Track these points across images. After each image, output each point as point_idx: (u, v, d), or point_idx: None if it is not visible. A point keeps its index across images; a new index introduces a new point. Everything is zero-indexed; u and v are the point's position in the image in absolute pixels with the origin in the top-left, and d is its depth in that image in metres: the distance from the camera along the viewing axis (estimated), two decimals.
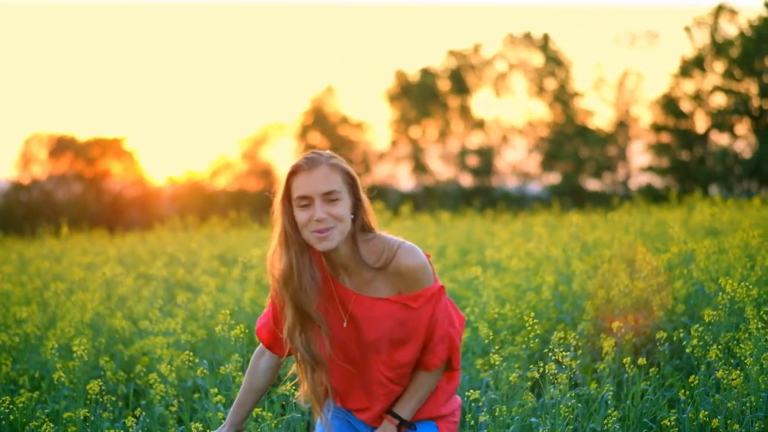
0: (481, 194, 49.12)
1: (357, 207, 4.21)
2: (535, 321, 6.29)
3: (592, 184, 49.70)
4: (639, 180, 48.74)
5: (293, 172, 4.15)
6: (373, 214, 4.26)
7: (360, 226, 4.22)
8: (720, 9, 45.89)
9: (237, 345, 6.79)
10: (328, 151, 4.21)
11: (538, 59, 50.99)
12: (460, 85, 51.58)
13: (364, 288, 4.20)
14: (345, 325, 4.21)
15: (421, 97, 51.39)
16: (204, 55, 71.42)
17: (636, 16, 73.87)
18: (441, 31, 71.52)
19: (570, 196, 46.46)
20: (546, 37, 51.00)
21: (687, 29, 46.67)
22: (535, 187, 51.37)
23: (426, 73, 51.89)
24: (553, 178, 50.33)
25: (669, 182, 46.88)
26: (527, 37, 51.20)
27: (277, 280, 4.21)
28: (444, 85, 51.78)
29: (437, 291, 4.21)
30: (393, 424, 4.29)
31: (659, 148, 47.30)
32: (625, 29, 56.65)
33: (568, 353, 6.08)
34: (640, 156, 49.07)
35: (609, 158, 49.32)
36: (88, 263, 12.54)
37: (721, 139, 46.37)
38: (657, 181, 47.36)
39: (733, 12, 45.69)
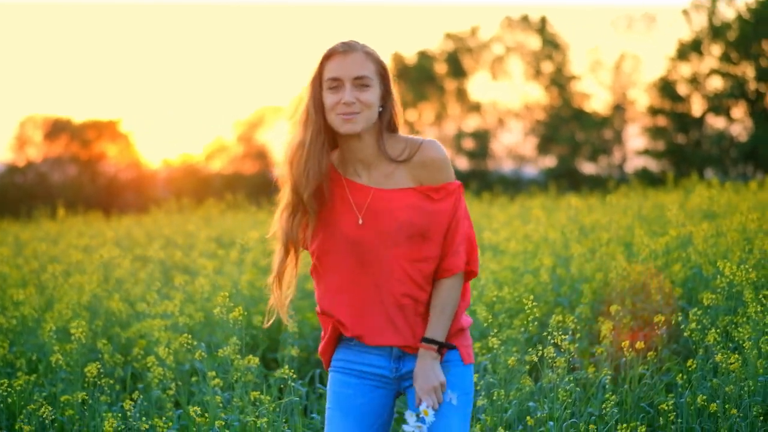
0: (477, 177, 49.06)
1: (386, 100, 4.19)
2: (534, 304, 6.28)
3: (587, 168, 49.69)
4: (635, 163, 48.73)
5: (328, 56, 4.16)
6: (401, 116, 4.24)
7: (387, 121, 4.20)
8: None
9: (235, 327, 6.77)
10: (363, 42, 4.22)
11: (535, 42, 50.93)
12: (456, 68, 51.50)
13: (383, 182, 4.15)
14: (360, 222, 4.14)
15: (417, 80, 51.28)
16: (200, 37, 71.31)
17: None
18: (438, 13, 71.40)
19: (566, 179, 46.43)
20: (543, 20, 50.94)
21: (685, 12, 46.61)
22: (531, 171, 51.34)
23: (423, 55, 51.79)
24: (549, 161, 50.33)
25: (665, 166, 46.83)
26: (524, 20, 51.13)
27: (286, 157, 4.20)
28: (441, 68, 51.69)
29: (458, 187, 4.16)
30: (432, 350, 4.12)
31: (655, 132, 47.27)
32: (623, 12, 56.61)
33: (566, 337, 6.06)
34: (636, 139, 49.06)
35: (605, 141, 49.30)
36: (84, 245, 12.52)
37: (717, 122, 46.37)
38: (653, 165, 47.34)
39: None
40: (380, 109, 4.18)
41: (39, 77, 68.76)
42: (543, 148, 50.44)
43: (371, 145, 4.18)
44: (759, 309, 6.32)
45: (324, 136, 4.16)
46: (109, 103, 72.12)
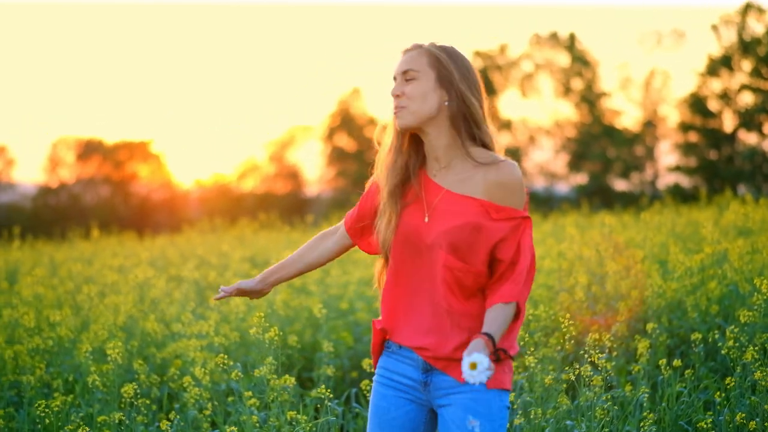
0: None
1: (455, 99, 4.14)
2: (570, 322, 6.26)
3: (619, 185, 49.55)
4: (667, 180, 48.56)
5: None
6: (493, 136, 4.19)
7: (463, 117, 4.15)
8: (748, 7, 45.69)
9: (271, 348, 6.77)
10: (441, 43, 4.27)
11: (564, 59, 50.87)
12: (486, 85, 50.98)
13: (456, 185, 4.12)
14: (426, 220, 4.13)
15: None
16: (231, 58, 71.58)
17: (662, 15, 73.53)
18: (467, 31, 71.44)
19: (598, 196, 46.34)
20: (572, 37, 50.88)
21: (714, 28, 46.47)
22: (562, 188, 51.24)
23: None
24: (581, 178, 50.21)
25: (697, 182, 46.69)
26: (553, 37, 51.10)
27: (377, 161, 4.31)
28: None
29: (523, 219, 4.08)
30: (485, 339, 3.91)
31: (687, 148, 47.11)
32: (652, 28, 56.47)
33: (603, 355, 6.04)
34: (667, 156, 48.92)
35: (636, 158, 49.17)
36: (119, 266, 12.56)
37: (749, 138, 46.17)
38: (685, 181, 47.18)
39: (761, 10, 45.51)
40: (446, 103, 4.14)
41: (71, 99, 69.18)
42: (574, 165, 50.33)
43: (444, 145, 4.15)
44: None
45: (401, 136, 4.22)
46: (140, 123, 72.51)
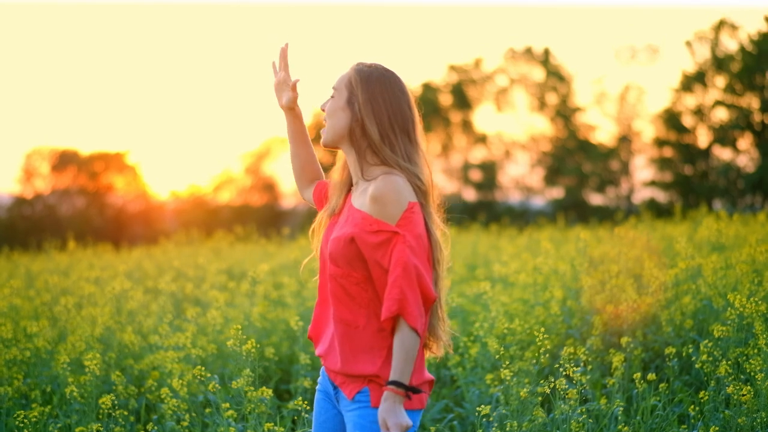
0: (485, 208, 49.12)
1: (357, 121, 4.26)
2: (545, 336, 6.32)
3: (595, 199, 49.72)
4: (642, 194, 48.76)
5: None
6: (392, 152, 4.24)
7: (363, 135, 4.25)
8: (721, 24, 45.91)
9: (248, 360, 6.80)
10: (379, 65, 4.35)
11: (539, 74, 51.02)
12: (461, 99, 51.61)
13: (355, 200, 4.27)
14: (333, 236, 4.29)
15: (422, 112, 51.30)
16: (207, 70, 71.52)
17: (636, 30, 73.91)
18: (441, 45, 71.62)
19: (574, 210, 46.50)
20: (547, 52, 51.03)
21: (688, 44, 46.71)
22: (538, 202, 51.38)
23: (427, 87, 51.93)
24: (557, 192, 50.36)
25: (672, 197, 46.92)
26: (528, 51, 51.25)
27: None
28: (445, 99, 51.81)
29: (392, 234, 4.10)
30: (397, 393, 4.04)
31: (662, 163, 47.32)
32: (626, 43, 56.70)
33: (578, 368, 6.10)
34: (642, 170, 49.10)
35: (612, 173, 49.34)
36: (95, 278, 12.56)
37: (723, 153, 46.39)
38: (660, 196, 47.40)
39: (734, 27, 45.72)
40: (356, 121, 4.27)
41: (45, 109, 68.97)
42: (550, 179, 50.48)
43: (352, 162, 4.30)
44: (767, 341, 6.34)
45: (338, 155, 4.42)
46: (115, 134, 72.31)
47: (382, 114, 4.25)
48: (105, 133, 71.24)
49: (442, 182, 51.71)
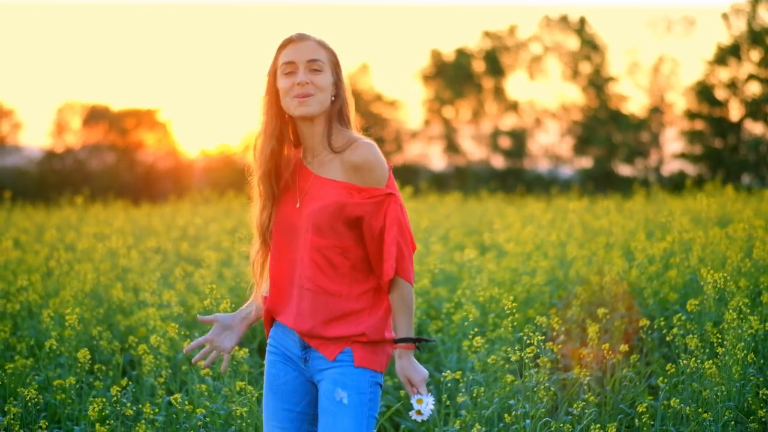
0: (513, 176, 49.10)
1: (338, 88, 4.35)
2: (514, 305, 6.40)
3: (624, 170, 49.53)
4: (671, 167, 48.55)
5: (283, 45, 4.37)
6: (353, 109, 4.39)
7: (338, 112, 4.35)
8: None
9: None
10: None
11: (573, 42, 50.80)
12: (494, 66, 51.47)
13: (320, 169, 4.32)
14: (298, 205, 4.32)
15: (455, 78, 51.32)
16: (241, 29, 71.58)
17: (673, 1, 73.36)
18: (477, 11, 71.36)
19: (602, 180, 46.39)
20: (582, 21, 50.80)
21: (724, 16, 46.40)
22: (567, 171, 51.23)
23: (461, 53, 51.80)
24: (586, 162, 50.21)
25: (701, 170, 46.70)
26: (563, 20, 51.02)
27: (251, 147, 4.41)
28: (479, 66, 51.68)
29: (386, 195, 4.26)
30: (408, 348, 4.29)
31: (692, 135, 47.12)
32: (662, 15, 56.36)
33: (542, 337, 6.16)
34: (673, 143, 48.88)
35: (642, 144, 49.13)
36: (95, 233, 12.67)
37: (755, 128, 46.18)
38: (689, 168, 47.18)
39: None
40: (332, 98, 4.34)
41: (77, 63, 69.20)
42: (579, 149, 50.32)
43: (320, 132, 4.34)
44: (735, 316, 6.39)
45: (279, 122, 4.36)
46: (147, 91, 72.48)
47: (349, 92, 4.41)
48: (136, 89, 71.45)
49: (470, 149, 51.72)
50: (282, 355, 4.44)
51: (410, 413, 4.30)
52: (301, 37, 4.36)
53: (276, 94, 4.35)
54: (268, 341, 4.51)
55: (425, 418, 4.29)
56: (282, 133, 4.37)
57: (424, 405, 4.26)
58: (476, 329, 6.89)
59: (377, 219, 4.27)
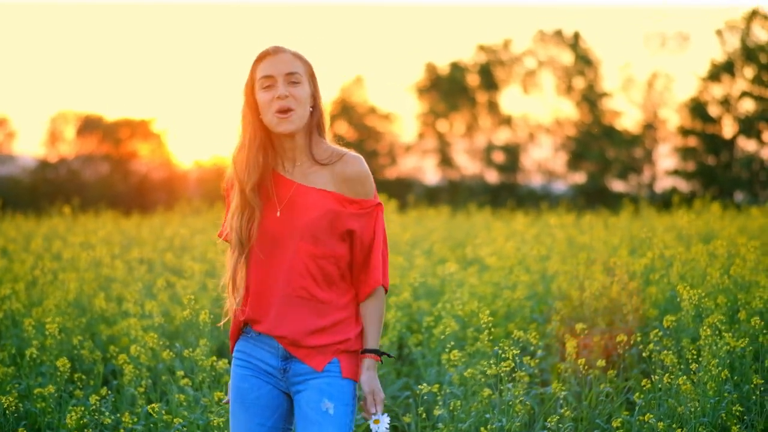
0: (506, 191, 49.15)
1: (315, 99, 4.43)
2: (490, 319, 6.45)
3: (617, 185, 49.59)
4: (664, 183, 48.64)
5: (259, 58, 4.41)
6: (327, 119, 4.47)
7: (316, 123, 4.43)
8: (753, 14, 45.74)
9: (205, 330, 6.97)
10: None
11: (567, 57, 50.91)
12: (488, 80, 51.55)
13: (303, 178, 4.37)
14: (278, 214, 4.35)
15: (449, 91, 51.39)
16: (236, 41, 71.68)
17: (667, 17, 73.55)
18: (471, 25, 71.50)
19: (595, 196, 46.44)
20: (576, 36, 50.90)
21: (718, 33, 46.54)
22: (560, 186, 51.28)
23: (455, 67, 51.88)
24: (579, 177, 50.26)
25: (694, 186, 46.78)
26: (558, 34, 51.12)
27: (233, 162, 4.42)
28: (473, 79, 51.75)
29: (375, 206, 4.39)
30: (375, 359, 4.38)
31: (686, 152, 47.21)
32: (656, 30, 56.48)
33: (517, 352, 6.20)
34: (666, 159, 48.97)
35: (635, 160, 49.20)
36: (81, 243, 12.71)
37: (748, 145, 46.27)
38: (682, 185, 47.27)
39: (766, 17, 45.54)
40: (311, 110, 4.40)
41: (71, 73, 69.18)
42: (573, 164, 50.39)
43: (301, 145, 4.41)
44: (709, 333, 6.44)
45: (261, 134, 4.39)
46: (141, 101, 72.53)
47: (323, 103, 4.50)
48: (131, 99, 71.45)
49: (464, 163, 51.75)
50: (254, 369, 4.44)
51: (371, 426, 4.33)
52: (277, 50, 4.39)
53: (256, 108, 4.39)
54: (234, 355, 4.51)
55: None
56: (266, 145, 4.42)
57: (381, 424, 4.31)
58: (452, 343, 6.93)
59: (368, 230, 4.38)
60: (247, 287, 4.42)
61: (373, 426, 4.31)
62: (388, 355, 4.46)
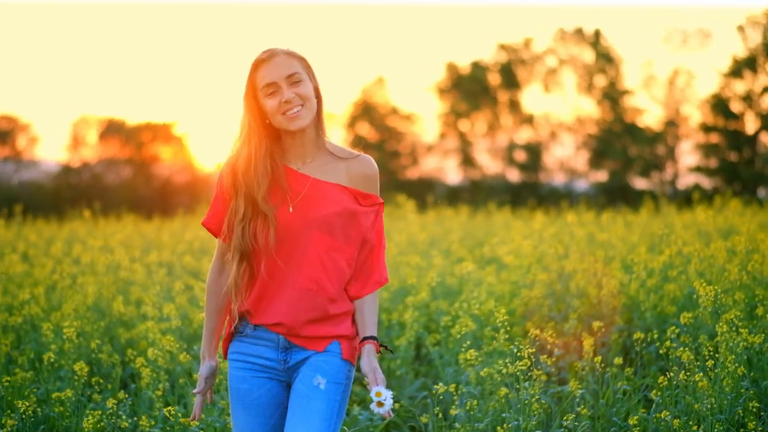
0: (528, 190, 49.08)
1: (317, 91, 4.48)
2: (506, 318, 6.43)
3: (639, 183, 49.46)
4: (687, 180, 48.49)
5: (255, 67, 4.43)
6: (326, 111, 4.53)
7: (320, 126, 4.48)
8: None
9: (222, 332, 6.96)
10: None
11: (588, 55, 50.81)
12: (510, 79, 51.49)
13: (319, 173, 4.42)
14: (291, 210, 4.38)
15: (470, 91, 51.35)
16: (256, 43, 71.77)
17: (688, 14, 73.33)
18: (492, 25, 71.42)
19: (618, 194, 46.32)
20: (597, 34, 50.80)
21: (740, 29, 46.37)
22: (582, 185, 51.17)
23: (476, 66, 51.84)
24: (601, 175, 50.16)
25: (717, 183, 46.63)
26: (578, 32, 51.04)
27: (236, 171, 4.41)
28: (494, 78, 51.70)
29: (381, 204, 4.50)
30: (375, 345, 4.45)
31: (708, 149, 47.07)
32: (677, 27, 56.32)
33: (534, 350, 6.20)
34: (688, 156, 48.83)
35: (657, 157, 49.08)
36: (100, 247, 12.75)
37: None
38: (705, 182, 47.12)
39: None
40: (317, 101, 4.45)
41: (93, 78, 69.42)
42: (595, 162, 50.29)
43: (312, 139, 4.46)
44: (726, 330, 6.42)
45: (267, 143, 4.42)
46: (163, 105, 72.75)
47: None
48: (152, 103, 71.62)
49: (486, 162, 51.70)
50: (252, 368, 4.47)
51: (371, 406, 4.34)
52: (270, 55, 4.42)
53: (260, 115, 4.41)
54: (229, 357, 4.52)
55: (387, 409, 4.31)
56: (273, 151, 4.45)
57: (384, 398, 4.31)
58: (468, 342, 6.92)
59: (375, 226, 4.48)
60: (258, 284, 4.42)
61: (375, 399, 4.31)
62: (387, 348, 4.51)
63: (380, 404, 4.32)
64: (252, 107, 4.42)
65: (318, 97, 4.46)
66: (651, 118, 50.93)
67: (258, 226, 4.39)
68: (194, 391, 4.66)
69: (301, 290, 4.37)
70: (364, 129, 52.78)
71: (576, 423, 6.29)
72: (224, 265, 4.55)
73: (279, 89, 4.38)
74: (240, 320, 4.47)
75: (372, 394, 4.33)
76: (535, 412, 6.19)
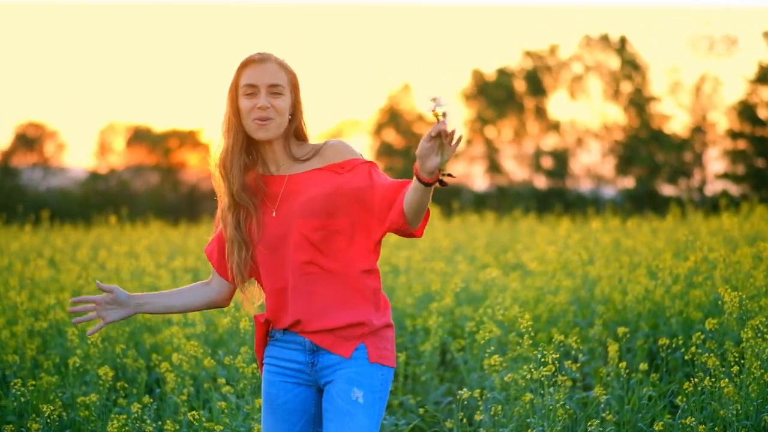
0: (555, 196, 48.99)
1: (295, 108, 4.49)
2: (530, 324, 6.44)
3: (667, 190, 49.31)
4: (715, 187, 48.34)
5: (244, 64, 4.45)
6: (308, 126, 4.54)
7: (294, 129, 4.49)
8: None
9: (246, 337, 7.01)
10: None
11: (614, 62, 50.72)
12: (536, 86, 51.43)
13: (293, 169, 4.45)
14: (274, 214, 4.40)
15: (496, 97, 51.33)
16: (282, 50, 71.90)
17: (714, 19, 73.12)
18: (518, 31, 71.41)
19: (645, 200, 46.19)
20: (623, 40, 50.71)
21: (766, 35, 46.24)
22: (609, 191, 51.05)
23: (502, 73, 51.81)
24: (628, 182, 50.05)
25: (745, 189, 46.45)
26: (604, 39, 50.95)
27: (217, 164, 4.46)
28: (520, 85, 51.66)
29: (366, 162, 4.41)
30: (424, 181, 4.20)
31: (735, 155, 46.91)
32: (703, 33, 56.16)
33: (555, 356, 6.19)
34: (715, 162, 48.67)
35: (684, 164, 48.94)
36: (126, 252, 12.81)
37: None
38: (733, 188, 46.96)
39: None
40: (290, 117, 4.46)
41: (120, 85, 69.73)
42: (622, 168, 50.18)
43: (279, 150, 4.47)
44: (752, 335, 6.40)
45: (243, 136, 4.43)
46: (189, 112, 72.92)
47: (304, 109, 4.58)
48: (179, 110, 71.96)
49: (512, 169, 51.66)
50: (282, 372, 4.48)
51: (426, 110, 4.16)
52: (263, 59, 4.45)
53: (239, 112, 4.44)
54: (264, 361, 4.55)
55: (440, 109, 4.12)
56: (249, 148, 4.47)
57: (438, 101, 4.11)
58: (493, 348, 6.93)
59: (377, 180, 4.36)
60: (267, 295, 4.46)
61: (430, 105, 4.11)
62: (449, 175, 4.28)
63: (435, 113, 4.11)
64: (233, 102, 4.45)
65: (294, 114, 4.48)
66: (677, 124, 50.92)
67: (241, 216, 4.43)
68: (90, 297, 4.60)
69: (301, 278, 4.36)
70: (391, 136, 52.84)
71: (601, 429, 6.27)
72: (212, 282, 4.63)
73: (257, 93, 4.41)
74: (271, 326, 4.50)
75: (427, 108, 4.13)
76: (560, 418, 6.19)
